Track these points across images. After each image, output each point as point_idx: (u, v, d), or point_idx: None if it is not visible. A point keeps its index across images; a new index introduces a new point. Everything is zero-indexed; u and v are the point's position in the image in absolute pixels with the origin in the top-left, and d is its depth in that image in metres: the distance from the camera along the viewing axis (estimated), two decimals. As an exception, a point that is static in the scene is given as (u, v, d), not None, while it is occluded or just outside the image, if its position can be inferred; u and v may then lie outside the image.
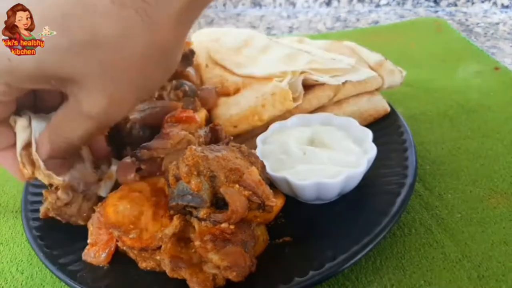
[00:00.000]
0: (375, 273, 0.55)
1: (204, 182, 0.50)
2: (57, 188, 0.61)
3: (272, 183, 0.60)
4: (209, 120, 0.75)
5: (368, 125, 0.72)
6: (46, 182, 0.56)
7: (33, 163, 0.54)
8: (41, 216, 0.63)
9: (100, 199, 0.61)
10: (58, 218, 0.62)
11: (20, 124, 0.53)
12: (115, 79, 0.43)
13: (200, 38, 0.95)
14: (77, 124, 0.48)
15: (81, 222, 0.61)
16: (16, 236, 0.68)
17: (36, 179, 0.55)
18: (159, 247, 0.52)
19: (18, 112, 0.54)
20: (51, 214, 0.61)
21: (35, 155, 0.53)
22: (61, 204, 0.60)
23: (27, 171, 0.54)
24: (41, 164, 0.53)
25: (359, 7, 1.55)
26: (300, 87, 0.73)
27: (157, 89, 0.55)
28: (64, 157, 0.54)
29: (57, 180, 0.56)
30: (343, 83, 0.74)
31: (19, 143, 0.53)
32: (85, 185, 0.62)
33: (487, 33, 1.24)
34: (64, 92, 0.46)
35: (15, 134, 0.53)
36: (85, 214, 0.61)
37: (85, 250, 0.58)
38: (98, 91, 0.44)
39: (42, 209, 0.63)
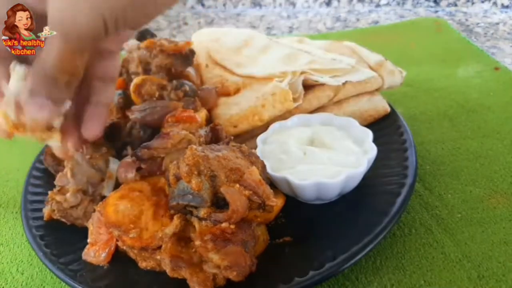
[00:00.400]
0: (375, 273, 0.55)
1: (205, 182, 0.50)
2: (61, 190, 0.61)
3: (272, 183, 0.60)
4: (209, 120, 0.75)
5: (368, 125, 0.73)
6: (30, 130, 0.50)
7: (19, 107, 0.49)
8: (45, 219, 0.63)
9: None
10: (63, 220, 0.62)
11: (17, 72, 0.49)
12: None
13: (200, 38, 0.95)
14: (50, 45, 0.45)
15: (86, 224, 0.61)
16: (16, 237, 0.68)
17: (16, 131, 0.50)
18: (159, 247, 0.52)
19: (21, 62, 0.50)
20: (56, 216, 0.61)
21: (19, 98, 0.49)
22: (68, 207, 0.60)
23: (11, 116, 0.49)
24: (21, 97, 0.48)
25: (359, 7, 1.55)
26: (300, 88, 0.73)
27: (124, 13, 0.45)
28: (45, 94, 0.48)
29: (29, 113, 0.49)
30: (343, 84, 0.74)
31: (9, 92, 0.49)
32: (92, 186, 0.62)
33: (487, 33, 1.24)
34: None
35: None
36: (91, 218, 0.61)
37: (85, 250, 0.58)
38: None
39: (46, 211, 0.63)
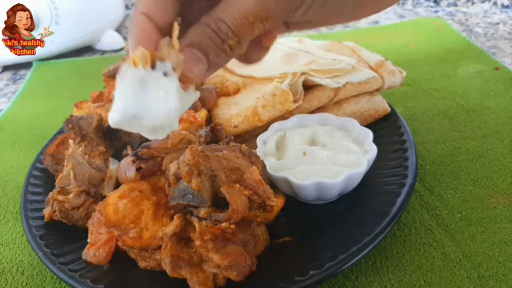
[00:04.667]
0: (375, 273, 0.55)
1: (205, 182, 0.50)
2: (62, 191, 0.61)
3: (272, 183, 0.60)
4: (209, 120, 0.75)
5: (368, 125, 0.73)
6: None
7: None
8: (46, 220, 0.63)
9: (104, 200, 0.61)
10: (64, 221, 0.61)
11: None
12: None
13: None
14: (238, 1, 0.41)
15: (87, 225, 0.61)
16: (16, 237, 0.68)
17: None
18: (160, 247, 0.52)
19: None
20: (57, 217, 0.61)
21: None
22: (70, 208, 0.60)
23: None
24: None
25: (359, 7, 1.55)
26: (300, 88, 0.73)
27: None
28: (206, 49, 0.43)
29: None
30: (344, 85, 0.74)
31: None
32: (93, 187, 0.62)
33: (487, 33, 1.24)
34: None
35: None
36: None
37: (85, 250, 0.57)
38: None
39: (47, 212, 0.62)
